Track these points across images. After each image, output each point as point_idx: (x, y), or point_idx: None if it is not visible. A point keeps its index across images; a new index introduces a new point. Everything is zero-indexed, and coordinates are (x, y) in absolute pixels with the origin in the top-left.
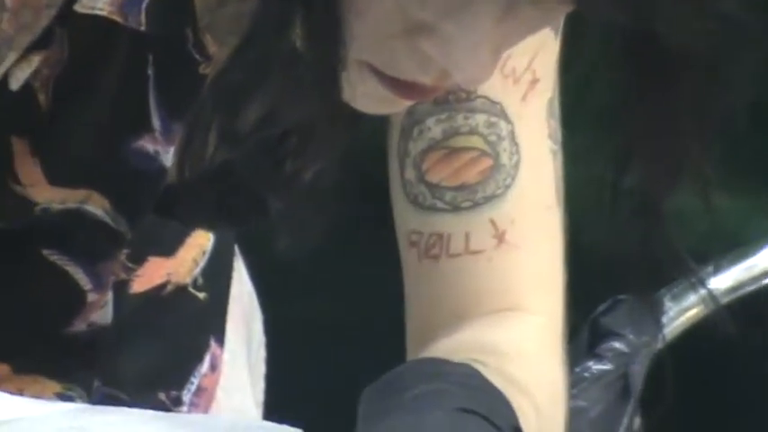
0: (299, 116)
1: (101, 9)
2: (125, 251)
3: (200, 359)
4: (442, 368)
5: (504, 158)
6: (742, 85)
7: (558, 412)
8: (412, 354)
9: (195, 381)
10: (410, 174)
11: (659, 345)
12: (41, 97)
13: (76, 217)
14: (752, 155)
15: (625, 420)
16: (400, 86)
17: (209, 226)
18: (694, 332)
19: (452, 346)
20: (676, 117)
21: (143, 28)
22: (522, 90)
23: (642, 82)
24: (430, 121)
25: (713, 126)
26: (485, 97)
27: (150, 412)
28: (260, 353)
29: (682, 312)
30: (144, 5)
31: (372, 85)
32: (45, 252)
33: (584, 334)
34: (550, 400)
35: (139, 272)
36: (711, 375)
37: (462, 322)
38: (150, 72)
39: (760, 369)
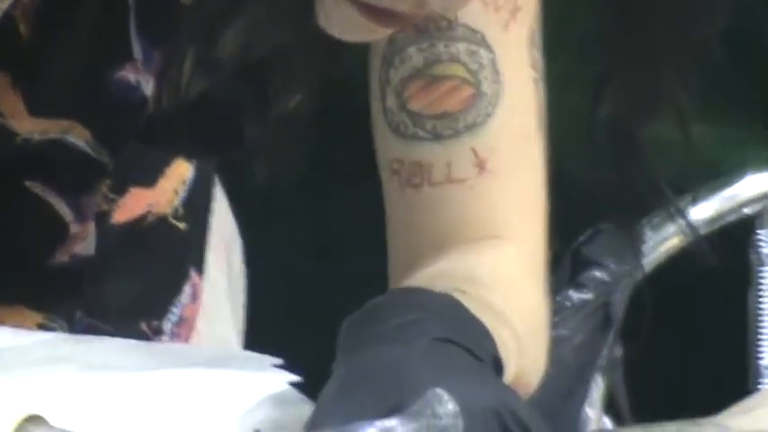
0: (276, 44)
1: None
2: (107, 182)
3: (180, 289)
4: (423, 298)
5: (486, 87)
6: (718, 14)
7: (539, 341)
8: (394, 283)
9: (176, 311)
10: (391, 102)
11: (640, 274)
12: (22, 27)
13: (58, 148)
14: (730, 85)
15: (606, 349)
16: (377, 13)
17: (187, 154)
18: (674, 262)
19: (433, 276)
20: (652, 45)
21: None
22: (504, 19)
23: (620, 10)
24: (411, 50)
25: (689, 55)
26: (465, 26)
27: (131, 341)
28: (240, 282)
29: (661, 242)
30: None
31: (348, 12)
32: (28, 184)
33: (565, 263)
34: (532, 329)
35: (120, 203)
36: (691, 305)
37: (444, 251)
38: (131, 1)
39: (739, 298)
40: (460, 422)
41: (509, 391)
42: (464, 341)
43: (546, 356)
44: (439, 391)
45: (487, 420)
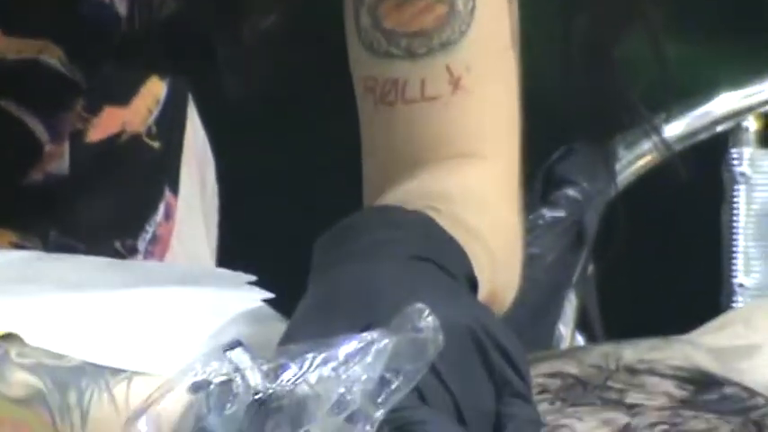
0: None
1: None
2: (81, 101)
3: (155, 208)
4: (396, 216)
5: (460, 5)
6: None
7: (513, 259)
8: (367, 201)
9: (150, 229)
10: (365, 20)
11: (612, 192)
12: None
13: (33, 68)
14: (704, 4)
15: (578, 267)
16: None
17: (160, 72)
18: (647, 180)
19: (407, 194)
20: None
21: None
22: None
23: None
24: None
25: None
26: None
27: (105, 260)
28: (213, 200)
29: (634, 160)
30: None
31: None
32: (2, 103)
33: (538, 182)
34: (506, 247)
35: (95, 122)
36: (664, 223)
37: (417, 169)
38: None
39: (712, 217)
40: (441, 336)
41: (483, 308)
42: (438, 259)
43: (520, 274)
44: (420, 305)
45: (462, 337)
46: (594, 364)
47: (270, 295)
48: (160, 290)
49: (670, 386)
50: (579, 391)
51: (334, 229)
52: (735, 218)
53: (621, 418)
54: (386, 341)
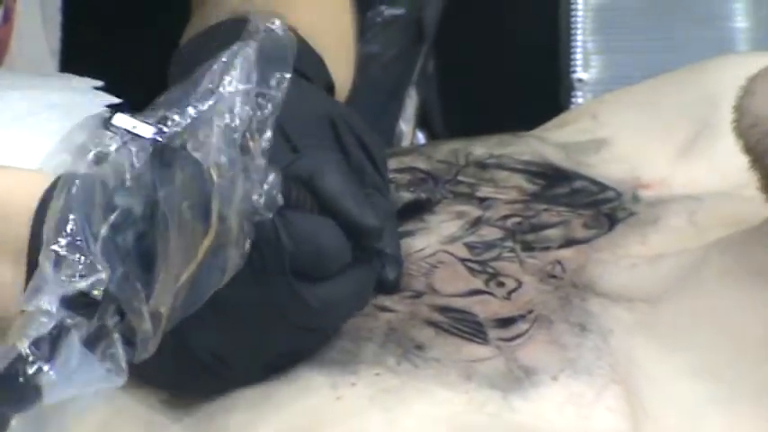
0: None
1: None
2: None
3: None
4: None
5: None
6: None
7: (348, 55)
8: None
9: None
10: None
11: None
12: None
13: None
14: None
15: (419, 63)
16: None
17: None
18: None
19: (232, 8)
20: None
21: None
22: None
23: None
24: None
25: None
26: None
27: None
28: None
29: None
30: None
31: None
32: None
33: None
34: (339, 45)
35: None
36: (503, 18)
37: None
38: None
39: (550, 11)
40: (294, 39)
41: (342, 105)
42: (297, 65)
43: (353, 71)
44: (265, 15)
45: (319, 120)
46: (444, 160)
47: (116, 100)
48: (7, 93)
49: (520, 180)
50: (430, 185)
51: (189, 43)
52: (573, 12)
53: (474, 211)
54: (249, 48)
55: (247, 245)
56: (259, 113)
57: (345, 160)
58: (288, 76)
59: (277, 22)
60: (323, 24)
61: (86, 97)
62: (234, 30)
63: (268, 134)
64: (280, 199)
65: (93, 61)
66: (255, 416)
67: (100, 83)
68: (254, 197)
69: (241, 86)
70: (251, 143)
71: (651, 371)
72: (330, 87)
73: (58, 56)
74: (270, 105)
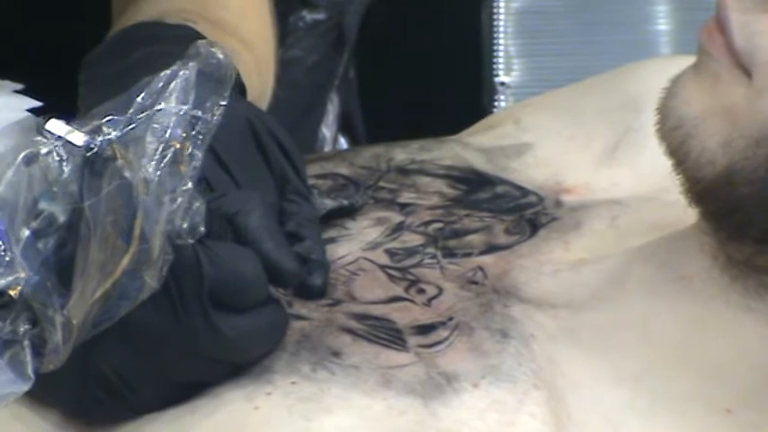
0: None
1: None
2: None
3: None
4: (160, 30)
5: None
6: None
7: (272, 60)
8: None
9: None
10: None
11: None
12: None
13: None
14: None
15: (340, 69)
16: None
17: None
18: None
19: (163, 9)
20: None
21: None
22: None
23: None
24: None
25: None
26: None
27: None
28: None
29: None
30: None
31: None
32: None
33: None
34: (266, 52)
35: None
36: (425, 23)
37: None
38: None
39: (472, 15)
40: (233, 66)
41: (258, 108)
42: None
43: (274, 76)
44: (207, 40)
45: (241, 125)
46: (366, 165)
47: (37, 104)
48: None
49: (442, 185)
50: (351, 191)
51: (104, 45)
52: (495, 16)
53: (395, 217)
54: (189, 69)
55: (165, 268)
56: (192, 135)
57: (269, 170)
58: (223, 103)
59: (218, 46)
60: (255, 33)
61: (4, 100)
62: (155, 36)
63: (198, 157)
64: (203, 227)
65: (15, 64)
66: (178, 429)
67: (20, 86)
68: (178, 220)
69: (177, 107)
70: (181, 166)
71: (574, 377)
72: (242, 92)
73: None
74: (203, 129)
